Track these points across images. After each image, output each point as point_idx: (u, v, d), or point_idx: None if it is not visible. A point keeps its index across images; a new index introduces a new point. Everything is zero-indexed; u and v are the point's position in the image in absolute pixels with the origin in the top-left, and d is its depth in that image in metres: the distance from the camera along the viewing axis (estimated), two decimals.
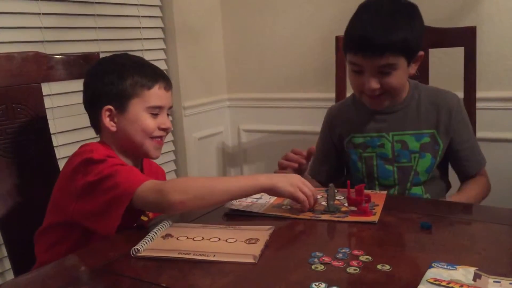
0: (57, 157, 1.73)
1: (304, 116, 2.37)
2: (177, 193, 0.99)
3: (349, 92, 1.74)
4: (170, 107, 1.23)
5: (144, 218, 1.17)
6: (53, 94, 1.78)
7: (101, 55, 1.47)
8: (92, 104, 1.19)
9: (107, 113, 1.16)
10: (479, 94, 1.56)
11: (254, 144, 2.56)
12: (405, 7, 1.25)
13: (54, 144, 1.75)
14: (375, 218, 1.00)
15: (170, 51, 2.28)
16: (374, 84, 1.24)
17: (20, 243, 1.23)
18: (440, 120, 1.33)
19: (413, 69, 1.30)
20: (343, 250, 0.86)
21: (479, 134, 1.49)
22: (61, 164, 1.70)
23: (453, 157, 1.37)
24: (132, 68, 1.17)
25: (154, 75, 1.18)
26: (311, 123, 2.32)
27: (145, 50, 2.17)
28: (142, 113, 1.16)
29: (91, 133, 1.68)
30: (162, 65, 2.26)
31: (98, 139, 1.42)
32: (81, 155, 1.09)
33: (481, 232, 0.97)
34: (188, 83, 2.34)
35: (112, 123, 1.16)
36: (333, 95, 1.78)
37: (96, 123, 1.21)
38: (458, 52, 1.56)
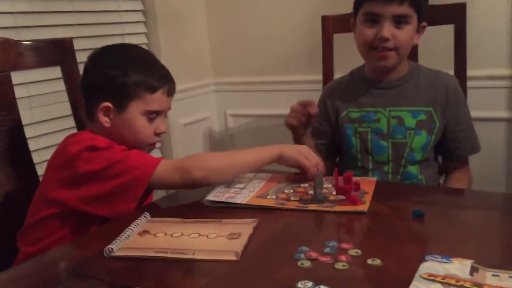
0: (36, 147, 1.68)
1: (292, 99, 2.25)
2: (199, 170, 1.04)
3: (337, 73, 1.70)
4: (168, 109, 1.18)
5: None
6: (29, 83, 1.70)
7: (76, 41, 1.40)
8: (90, 93, 1.15)
9: (104, 109, 1.11)
10: (469, 72, 1.51)
11: (241, 129, 2.51)
12: None
13: (32, 134, 1.68)
14: (364, 207, 0.95)
15: (152, 35, 2.19)
16: (388, 32, 1.24)
17: None
18: (437, 99, 1.33)
19: (417, 38, 1.32)
20: (331, 244, 0.80)
21: (470, 113, 1.45)
22: (36, 156, 1.65)
23: (447, 138, 1.36)
24: (139, 66, 1.12)
25: (160, 78, 1.13)
26: None
27: (126, 34, 2.09)
28: (139, 116, 1.12)
29: (69, 123, 1.62)
30: None
31: (75, 129, 1.37)
32: (80, 143, 1.05)
33: (475, 220, 0.92)
34: (172, 68, 2.20)
35: (107, 119, 1.12)
36: (320, 77, 1.72)
37: (90, 113, 1.15)
38: (447, 30, 1.51)
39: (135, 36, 2.14)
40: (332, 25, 1.65)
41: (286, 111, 2.33)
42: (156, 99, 1.12)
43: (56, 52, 1.31)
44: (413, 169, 1.33)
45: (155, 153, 2.27)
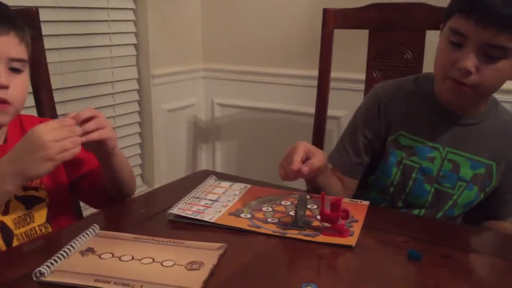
0: None
1: (284, 94, 2.18)
2: None
3: (334, 71, 1.55)
4: (16, 60, 0.89)
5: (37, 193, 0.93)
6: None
7: (44, 11, 1.23)
8: None
9: None
10: None
11: (228, 119, 2.37)
12: None
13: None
14: (352, 241, 0.81)
15: (140, 12, 2.04)
16: (471, 63, 0.93)
17: None
18: (504, 155, 1.09)
19: None
20: None
21: None
22: None
23: (492, 196, 1.12)
24: None
25: None
26: (291, 101, 2.16)
27: (111, 8, 1.93)
28: None
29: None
30: (130, 27, 2.03)
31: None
32: None
33: (486, 270, 0.78)
34: (159, 48, 2.11)
35: None
36: (315, 73, 1.58)
37: None
38: None
39: (121, 11, 1.99)
40: (333, 20, 1.51)
41: (277, 105, 2.23)
42: None
43: None
44: None
45: (134, 138, 2.12)
